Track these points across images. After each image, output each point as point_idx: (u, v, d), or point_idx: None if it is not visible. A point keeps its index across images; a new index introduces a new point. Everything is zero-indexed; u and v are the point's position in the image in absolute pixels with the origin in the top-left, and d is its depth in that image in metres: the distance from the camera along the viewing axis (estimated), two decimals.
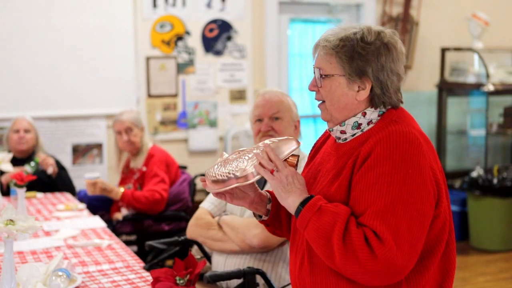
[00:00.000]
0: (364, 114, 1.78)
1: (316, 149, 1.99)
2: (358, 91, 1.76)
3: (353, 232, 1.62)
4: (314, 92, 1.86)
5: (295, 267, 1.86)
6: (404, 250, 1.61)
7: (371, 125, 1.78)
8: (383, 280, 1.63)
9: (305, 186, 1.77)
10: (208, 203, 2.87)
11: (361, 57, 1.74)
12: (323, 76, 1.78)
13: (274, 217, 1.97)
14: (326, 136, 1.98)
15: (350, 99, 1.77)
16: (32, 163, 4.06)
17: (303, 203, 1.71)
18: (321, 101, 1.83)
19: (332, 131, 1.84)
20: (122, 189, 4.02)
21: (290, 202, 1.74)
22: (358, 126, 1.79)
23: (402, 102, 1.82)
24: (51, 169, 4.18)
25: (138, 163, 4.20)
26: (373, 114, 1.78)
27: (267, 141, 1.84)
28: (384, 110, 1.79)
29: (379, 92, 1.76)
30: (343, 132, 1.81)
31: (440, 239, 1.74)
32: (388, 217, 1.62)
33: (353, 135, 1.80)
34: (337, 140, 1.85)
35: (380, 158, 1.67)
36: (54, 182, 4.21)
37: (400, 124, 1.73)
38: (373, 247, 1.60)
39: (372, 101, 1.77)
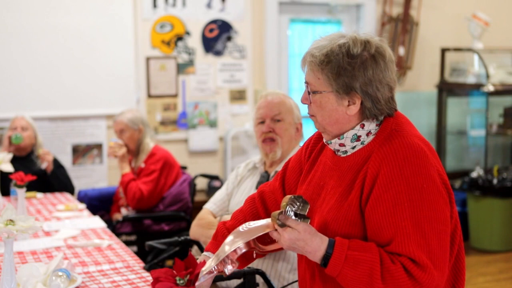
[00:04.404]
0: (363, 126, 1.75)
1: (312, 160, 1.93)
2: (348, 105, 1.73)
3: (392, 270, 1.59)
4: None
5: (306, 277, 1.84)
6: (440, 267, 1.62)
7: (371, 136, 1.75)
8: None
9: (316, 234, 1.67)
10: (211, 204, 2.90)
11: (347, 73, 1.69)
12: (313, 91, 1.75)
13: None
14: (321, 146, 1.93)
15: (341, 114, 1.74)
16: (19, 135, 4.15)
17: (327, 257, 1.64)
18: (312, 115, 1.80)
19: (331, 143, 1.80)
20: (128, 170, 4.13)
21: (311, 255, 1.67)
22: (358, 138, 1.75)
23: (396, 110, 1.78)
24: (45, 164, 4.19)
25: (138, 163, 4.21)
26: (371, 125, 1.75)
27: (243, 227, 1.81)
28: (381, 119, 1.75)
29: (370, 105, 1.72)
30: (342, 145, 1.77)
31: (454, 242, 1.74)
32: (419, 239, 1.60)
33: (353, 148, 1.77)
34: (336, 153, 1.82)
35: (392, 178, 1.64)
36: (49, 178, 4.21)
37: (401, 133, 1.71)
38: (415, 277, 1.59)
39: (364, 114, 1.73)
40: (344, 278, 1.63)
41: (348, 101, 1.72)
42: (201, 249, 2.88)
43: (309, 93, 1.77)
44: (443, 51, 6.04)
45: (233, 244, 1.80)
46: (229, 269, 1.82)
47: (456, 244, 1.75)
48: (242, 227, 1.82)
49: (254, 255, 1.90)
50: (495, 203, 5.40)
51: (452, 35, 6.31)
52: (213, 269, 1.83)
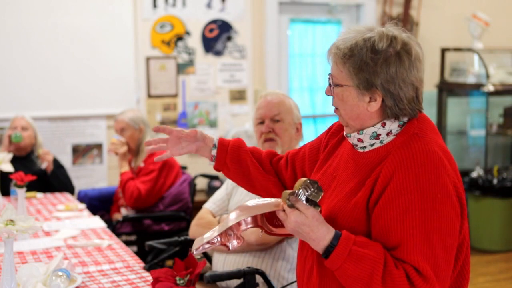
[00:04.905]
0: (384, 125, 1.70)
1: (330, 150, 1.90)
2: (369, 102, 1.68)
3: (394, 274, 1.56)
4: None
5: (303, 274, 1.83)
6: (443, 280, 1.60)
7: (391, 137, 1.70)
8: None
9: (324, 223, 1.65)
10: (210, 203, 2.91)
11: (369, 68, 1.65)
12: (335, 84, 1.72)
13: (220, 163, 2.02)
14: (340, 137, 1.89)
15: (362, 110, 1.70)
16: (18, 133, 4.16)
17: (330, 248, 1.61)
18: (336, 107, 1.78)
19: (350, 137, 1.77)
20: (127, 169, 4.13)
21: (314, 243, 1.64)
22: (377, 136, 1.71)
23: (422, 110, 1.73)
24: (45, 164, 4.20)
25: (138, 162, 4.22)
26: (393, 125, 1.70)
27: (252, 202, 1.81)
28: (405, 120, 1.70)
29: (391, 104, 1.67)
30: (360, 140, 1.74)
31: (459, 257, 1.71)
32: (425, 250, 1.57)
33: (372, 145, 1.73)
34: (354, 147, 1.78)
35: (407, 184, 1.60)
36: (49, 178, 4.22)
37: (423, 139, 1.66)
38: (416, 286, 1.56)
39: (385, 113, 1.69)
40: (344, 273, 1.60)
41: (370, 98, 1.68)
42: None
43: (330, 86, 1.75)
44: (443, 51, 6.04)
45: (239, 216, 1.77)
46: (233, 244, 1.78)
47: (461, 259, 1.72)
48: (250, 202, 1.79)
49: (261, 234, 1.85)
50: (495, 203, 5.40)
51: (452, 35, 6.31)
52: (216, 240, 1.78)
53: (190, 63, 5.43)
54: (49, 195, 4.05)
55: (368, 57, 1.65)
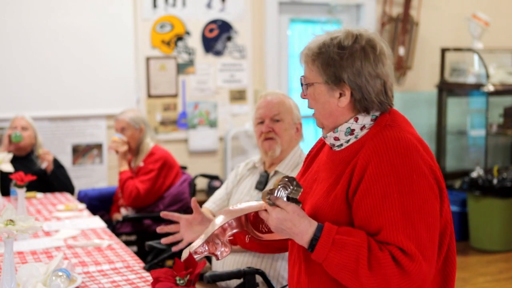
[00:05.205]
0: (357, 120, 1.76)
1: (312, 157, 1.97)
2: (339, 97, 1.75)
3: (380, 257, 1.58)
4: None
5: (293, 278, 1.85)
6: (429, 259, 1.61)
7: (364, 131, 1.76)
8: None
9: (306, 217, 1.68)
10: (210, 203, 2.91)
11: (336, 63, 1.73)
12: (306, 84, 1.80)
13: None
14: (321, 144, 1.96)
15: (333, 106, 1.76)
16: (18, 133, 4.16)
17: (314, 240, 1.65)
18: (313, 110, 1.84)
19: (326, 137, 1.83)
20: (126, 168, 4.13)
21: (298, 237, 1.68)
22: (351, 132, 1.76)
23: (392, 105, 1.79)
24: (45, 164, 4.20)
25: (138, 162, 4.22)
26: (365, 119, 1.76)
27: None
28: (377, 114, 1.77)
29: (359, 97, 1.73)
30: (336, 138, 1.79)
31: (443, 242, 1.73)
32: (408, 230, 1.59)
33: (347, 141, 1.78)
34: (332, 148, 1.83)
35: (381, 170, 1.64)
36: (48, 178, 4.22)
37: (395, 128, 1.72)
38: (403, 266, 1.57)
39: (355, 107, 1.75)
40: (330, 263, 1.62)
41: (340, 93, 1.75)
42: None
43: (302, 85, 1.82)
44: (443, 51, 6.04)
45: (223, 220, 1.79)
46: (221, 251, 1.81)
47: (445, 244, 1.74)
48: (233, 206, 1.83)
49: (247, 239, 1.88)
50: (495, 203, 5.40)
51: (452, 35, 6.31)
52: (203, 249, 1.81)
53: (190, 63, 5.43)
54: (49, 195, 4.05)
55: (334, 53, 1.73)
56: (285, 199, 1.68)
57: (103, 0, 5.10)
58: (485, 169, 5.70)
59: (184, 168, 4.49)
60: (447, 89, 6.06)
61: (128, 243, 3.87)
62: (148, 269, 2.45)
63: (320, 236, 1.63)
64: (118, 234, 3.80)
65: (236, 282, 2.50)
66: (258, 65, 5.66)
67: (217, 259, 1.83)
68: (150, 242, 2.86)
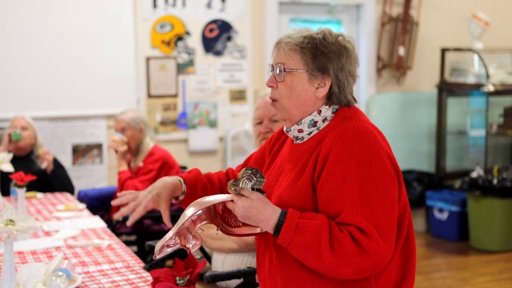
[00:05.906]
0: (320, 112, 1.84)
1: (274, 153, 2.03)
2: (317, 88, 1.83)
3: (340, 238, 1.67)
4: None
5: (264, 268, 1.89)
6: (387, 239, 1.69)
7: (326, 123, 1.85)
8: (372, 272, 1.70)
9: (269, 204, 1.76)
10: None
11: (324, 55, 1.81)
12: (286, 70, 1.84)
13: (190, 197, 2.05)
14: (282, 140, 2.03)
15: (310, 95, 1.83)
16: (18, 131, 4.17)
17: (279, 225, 1.72)
18: (275, 100, 1.88)
19: (290, 131, 1.90)
20: (125, 168, 4.15)
21: (263, 223, 1.75)
22: (314, 124, 1.85)
23: (356, 102, 1.90)
24: (45, 164, 4.20)
25: (137, 162, 4.22)
26: (327, 112, 1.85)
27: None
28: (337, 107, 1.86)
29: (337, 90, 1.83)
30: (300, 131, 1.87)
31: (402, 225, 1.81)
32: (366, 212, 1.68)
33: (310, 134, 1.86)
34: (294, 141, 1.91)
35: (342, 155, 1.73)
36: (48, 178, 4.22)
37: (353, 119, 1.80)
38: (362, 244, 1.66)
39: (330, 99, 1.84)
40: (295, 246, 1.70)
41: (318, 83, 1.83)
42: (201, 249, 2.88)
43: (282, 71, 1.84)
44: (443, 51, 6.04)
45: (192, 211, 1.82)
46: (192, 244, 1.85)
47: (404, 227, 1.81)
48: (201, 199, 1.87)
49: (217, 232, 1.92)
50: (495, 203, 5.40)
51: (452, 35, 6.31)
52: (173, 242, 1.84)
53: (190, 63, 5.43)
54: (49, 195, 4.05)
55: (322, 45, 1.81)
56: (250, 189, 1.75)
57: (103, 0, 5.10)
58: (485, 169, 5.70)
59: (184, 168, 4.49)
60: (447, 89, 6.06)
61: (128, 243, 3.87)
62: (148, 269, 2.45)
63: (284, 221, 1.71)
64: (118, 234, 3.80)
65: (236, 282, 2.50)
66: (258, 65, 5.66)
67: (189, 252, 1.86)
68: (150, 242, 2.86)
